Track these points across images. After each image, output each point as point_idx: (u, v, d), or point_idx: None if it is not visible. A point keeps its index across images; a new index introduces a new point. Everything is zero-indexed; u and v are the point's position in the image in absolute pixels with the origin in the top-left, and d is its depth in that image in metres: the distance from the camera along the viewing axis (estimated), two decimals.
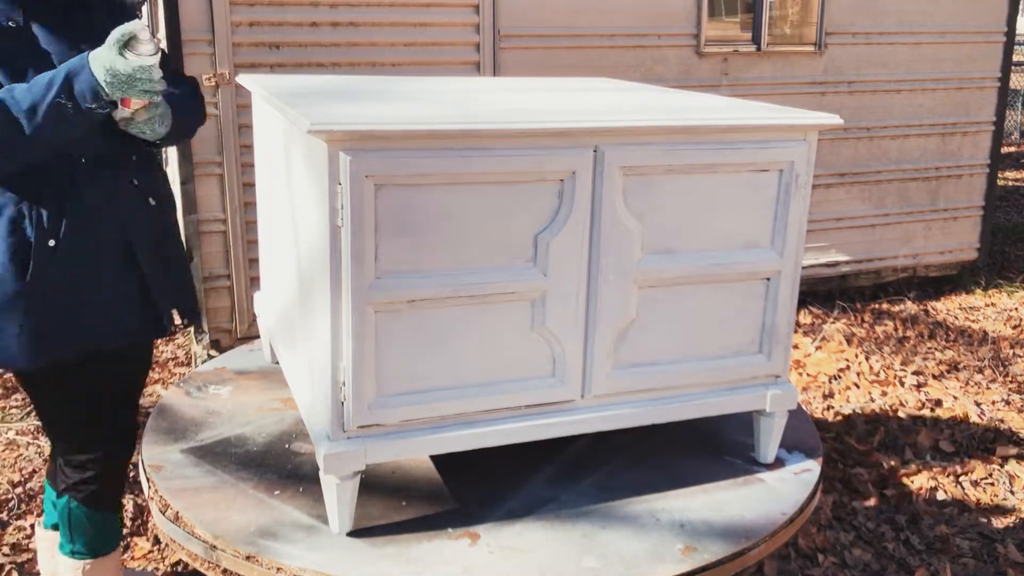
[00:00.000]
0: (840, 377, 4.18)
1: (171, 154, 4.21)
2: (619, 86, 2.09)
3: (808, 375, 4.18)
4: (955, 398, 4.00)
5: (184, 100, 2.05)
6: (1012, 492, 3.26)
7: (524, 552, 1.41)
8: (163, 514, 1.50)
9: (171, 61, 2.06)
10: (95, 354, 1.99)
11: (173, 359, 4.22)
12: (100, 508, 2.19)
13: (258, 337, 2.15)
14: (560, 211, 1.41)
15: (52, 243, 1.87)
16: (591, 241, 1.44)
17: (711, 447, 1.75)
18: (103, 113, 1.74)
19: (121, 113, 1.77)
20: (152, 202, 2.06)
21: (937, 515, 3.11)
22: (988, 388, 4.13)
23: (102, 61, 1.68)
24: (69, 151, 1.86)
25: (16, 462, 3.30)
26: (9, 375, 4.01)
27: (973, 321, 5.01)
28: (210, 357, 3.72)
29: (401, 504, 1.53)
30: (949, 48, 5.09)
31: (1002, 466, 3.42)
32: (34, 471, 3.24)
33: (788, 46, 4.69)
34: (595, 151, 1.41)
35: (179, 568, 2.65)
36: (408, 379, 1.40)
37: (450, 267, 1.38)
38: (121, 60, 1.67)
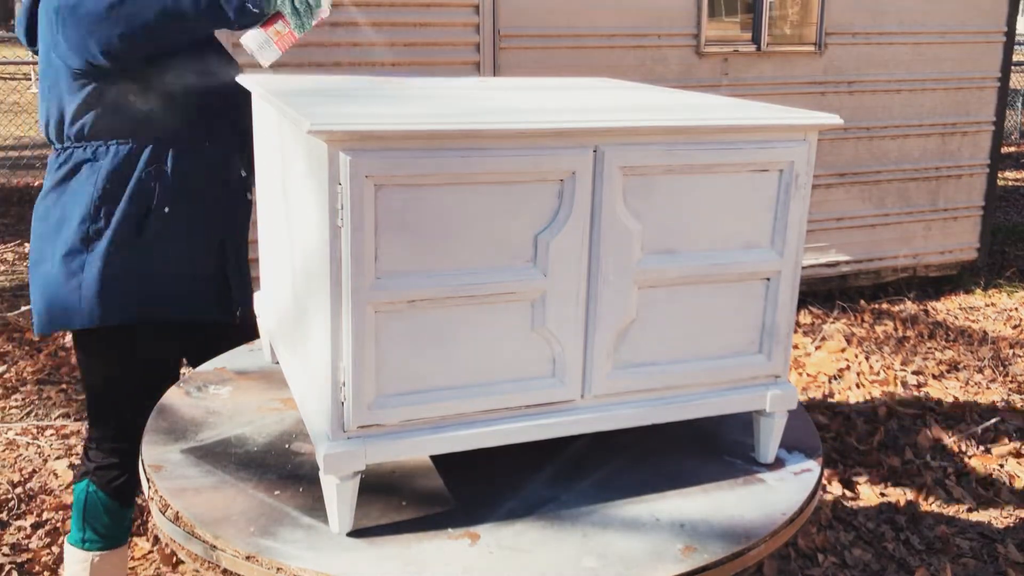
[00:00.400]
0: (840, 377, 4.18)
1: None
2: (619, 86, 2.09)
3: (808, 375, 4.18)
4: (955, 398, 4.00)
5: None
6: (1012, 492, 3.26)
7: (524, 552, 1.41)
8: (163, 514, 1.50)
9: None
10: (163, 326, 2.13)
11: None
12: (119, 499, 2.21)
13: (258, 337, 2.15)
14: (560, 211, 1.41)
15: (167, 210, 2.03)
16: (591, 241, 1.44)
17: (711, 447, 1.75)
18: (251, 9, 1.82)
19: (255, 37, 1.85)
20: (249, 196, 2.20)
21: (937, 515, 3.11)
22: (988, 388, 4.13)
23: None
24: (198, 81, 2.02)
25: (16, 462, 3.31)
26: (11, 374, 4.01)
27: (973, 321, 5.02)
28: None
29: (401, 504, 1.53)
30: (949, 48, 5.09)
31: (1002, 466, 3.42)
32: (34, 471, 3.24)
33: (788, 46, 4.69)
34: (595, 151, 1.41)
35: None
36: (408, 379, 1.40)
37: (450, 267, 1.38)
38: None
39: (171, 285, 2.10)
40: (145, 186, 2.03)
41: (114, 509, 2.22)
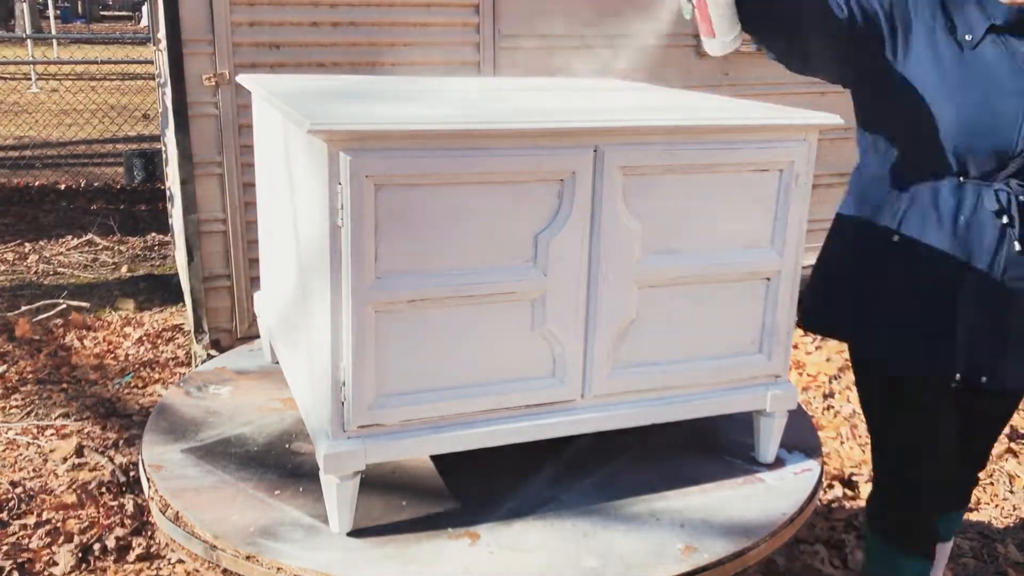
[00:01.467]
0: (840, 377, 4.17)
1: (171, 154, 4.21)
2: (619, 86, 2.10)
3: (808, 375, 4.17)
4: None
5: None
6: (1012, 492, 3.25)
7: (524, 552, 1.41)
8: (163, 514, 1.50)
9: None
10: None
11: (173, 359, 4.22)
12: (889, 542, 2.06)
13: (258, 337, 2.15)
14: (560, 211, 1.41)
15: (895, 239, 1.88)
16: (591, 241, 1.44)
17: (711, 447, 1.75)
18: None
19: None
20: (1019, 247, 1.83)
21: None
22: None
23: None
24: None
25: (16, 462, 3.31)
26: (11, 374, 4.02)
27: None
28: (210, 357, 3.72)
29: (401, 504, 1.53)
30: None
31: (1002, 466, 3.42)
32: (34, 471, 3.24)
33: None
34: (595, 151, 1.41)
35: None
36: (408, 379, 1.40)
37: (450, 267, 1.38)
38: None
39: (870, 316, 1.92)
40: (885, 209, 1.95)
41: (887, 556, 2.05)
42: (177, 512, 1.48)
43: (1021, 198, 1.82)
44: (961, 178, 1.82)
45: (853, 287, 1.93)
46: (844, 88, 1.98)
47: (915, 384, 1.91)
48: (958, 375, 1.87)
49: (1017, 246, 1.82)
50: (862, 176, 2.03)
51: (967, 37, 1.79)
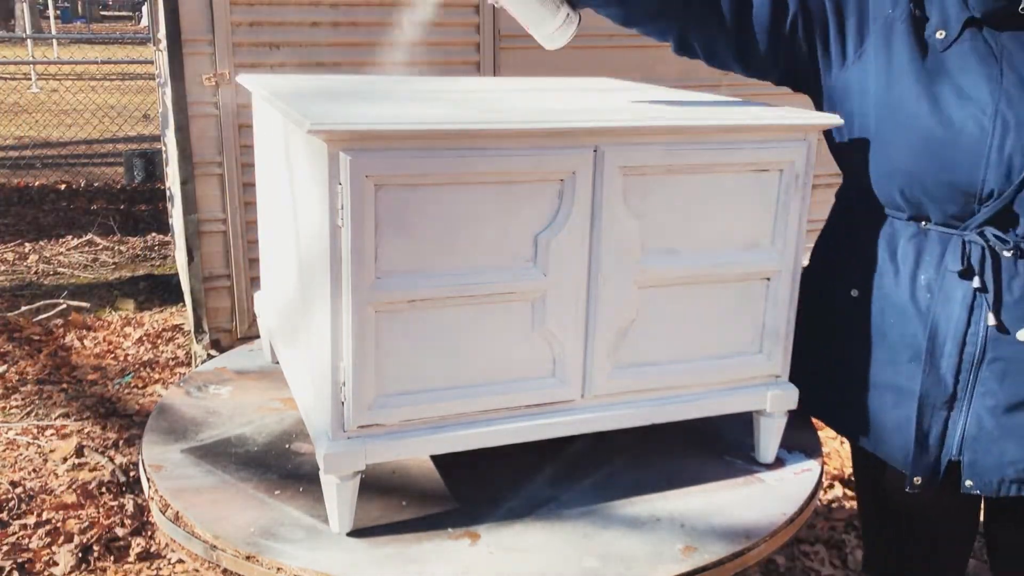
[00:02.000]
0: None
1: (171, 154, 4.21)
2: (619, 86, 2.10)
3: None
4: None
5: None
6: None
7: (524, 552, 1.41)
8: (163, 514, 1.50)
9: None
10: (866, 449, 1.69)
11: (173, 359, 4.22)
12: None
13: (258, 337, 2.15)
14: (560, 211, 1.41)
15: (855, 293, 1.59)
16: (591, 241, 1.44)
17: (711, 447, 1.75)
18: None
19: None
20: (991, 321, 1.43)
21: None
22: None
23: None
24: None
25: (16, 462, 3.31)
26: (11, 374, 4.02)
27: None
28: (210, 357, 3.72)
29: (401, 504, 1.53)
30: None
31: None
32: (34, 471, 3.25)
33: None
34: (595, 151, 1.41)
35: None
36: (408, 379, 1.40)
37: (450, 267, 1.38)
38: None
39: (828, 384, 1.69)
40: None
41: None
42: (177, 512, 1.48)
43: (1005, 253, 1.36)
44: (923, 223, 1.45)
45: (811, 342, 1.67)
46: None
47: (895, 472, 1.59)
48: (918, 479, 1.52)
49: (991, 319, 1.39)
50: (836, 203, 1.67)
51: (939, 35, 1.41)
